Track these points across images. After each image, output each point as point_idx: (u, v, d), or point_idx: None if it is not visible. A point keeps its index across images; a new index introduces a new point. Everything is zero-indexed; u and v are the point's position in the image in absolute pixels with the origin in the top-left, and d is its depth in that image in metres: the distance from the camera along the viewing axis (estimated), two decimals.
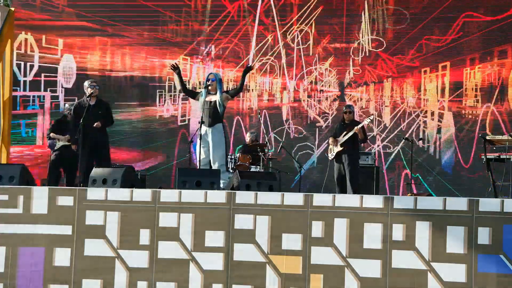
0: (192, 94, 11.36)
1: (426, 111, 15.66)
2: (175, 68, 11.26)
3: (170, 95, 16.23)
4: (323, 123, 15.70)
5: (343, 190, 11.90)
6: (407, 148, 14.35)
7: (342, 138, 11.99)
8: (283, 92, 16.00)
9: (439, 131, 15.47)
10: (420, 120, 15.56)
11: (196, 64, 16.27)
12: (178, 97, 16.23)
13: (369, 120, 11.89)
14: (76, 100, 11.66)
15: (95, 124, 11.33)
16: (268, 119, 15.75)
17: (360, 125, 11.87)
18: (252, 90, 16.01)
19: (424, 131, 15.59)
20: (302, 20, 16.06)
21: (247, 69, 11.15)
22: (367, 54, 15.78)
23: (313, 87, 15.92)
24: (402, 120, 15.65)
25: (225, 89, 11.98)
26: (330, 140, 12.23)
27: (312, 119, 15.78)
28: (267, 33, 16.16)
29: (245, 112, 15.86)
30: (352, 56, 15.87)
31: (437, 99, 15.55)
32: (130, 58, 16.61)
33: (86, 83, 11.69)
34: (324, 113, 15.77)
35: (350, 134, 11.88)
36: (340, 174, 12.07)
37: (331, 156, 12.18)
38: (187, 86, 11.47)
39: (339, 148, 11.98)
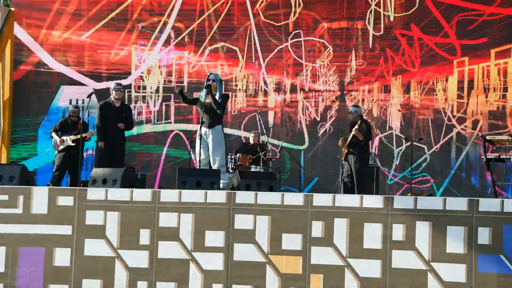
0: (193, 102, 11.38)
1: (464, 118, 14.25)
2: (182, 93, 11.25)
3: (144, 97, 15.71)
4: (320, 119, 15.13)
5: (350, 191, 11.87)
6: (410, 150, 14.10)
7: (347, 141, 11.99)
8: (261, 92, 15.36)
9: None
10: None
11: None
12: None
13: (357, 125, 11.81)
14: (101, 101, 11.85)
15: (119, 124, 11.53)
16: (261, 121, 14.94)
17: (354, 128, 11.83)
18: (239, 89, 15.57)
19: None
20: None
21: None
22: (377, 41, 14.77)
23: (305, 87, 15.29)
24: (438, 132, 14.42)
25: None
26: (340, 140, 12.19)
27: (309, 122, 15.26)
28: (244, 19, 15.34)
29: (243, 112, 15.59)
30: (359, 36, 14.67)
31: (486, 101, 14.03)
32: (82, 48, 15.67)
33: (112, 85, 11.93)
34: (326, 109, 15.11)
35: (350, 136, 11.88)
36: (347, 175, 12.04)
37: (342, 156, 12.19)
38: (187, 97, 11.43)
39: (346, 150, 11.98)
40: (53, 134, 12.67)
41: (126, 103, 12.11)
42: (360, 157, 11.97)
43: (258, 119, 13.22)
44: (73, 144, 12.33)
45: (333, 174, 14.25)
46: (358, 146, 11.96)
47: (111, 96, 11.86)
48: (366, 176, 12.13)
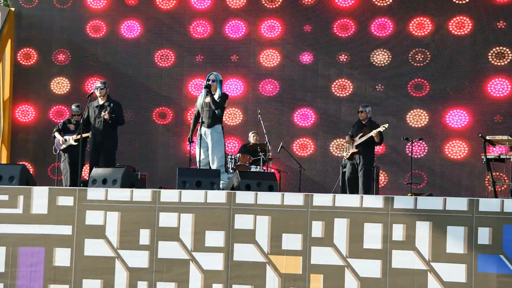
0: (196, 120, 11.31)
1: None
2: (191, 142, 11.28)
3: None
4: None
5: (354, 190, 11.80)
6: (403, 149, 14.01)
7: (359, 140, 11.85)
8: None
9: None
10: None
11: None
12: None
13: (384, 127, 11.69)
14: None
15: (103, 114, 11.22)
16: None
17: (377, 130, 11.64)
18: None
19: None
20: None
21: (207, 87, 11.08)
22: None
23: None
24: None
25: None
26: (347, 138, 12.06)
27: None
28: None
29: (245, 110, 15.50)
30: None
31: None
32: None
33: (97, 83, 11.67)
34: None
35: (367, 136, 11.74)
36: (352, 174, 11.93)
37: (346, 155, 12.07)
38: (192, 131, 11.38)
39: (354, 149, 11.86)
40: (56, 134, 12.70)
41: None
42: (370, 158, 11.87)
43: (259, 119, 13.18)
44: (75, 143, 12.36)
45: (332, 173, 14.27)
46: (370, 147, 11.87)
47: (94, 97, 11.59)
48: (371, 177, 12.07)
